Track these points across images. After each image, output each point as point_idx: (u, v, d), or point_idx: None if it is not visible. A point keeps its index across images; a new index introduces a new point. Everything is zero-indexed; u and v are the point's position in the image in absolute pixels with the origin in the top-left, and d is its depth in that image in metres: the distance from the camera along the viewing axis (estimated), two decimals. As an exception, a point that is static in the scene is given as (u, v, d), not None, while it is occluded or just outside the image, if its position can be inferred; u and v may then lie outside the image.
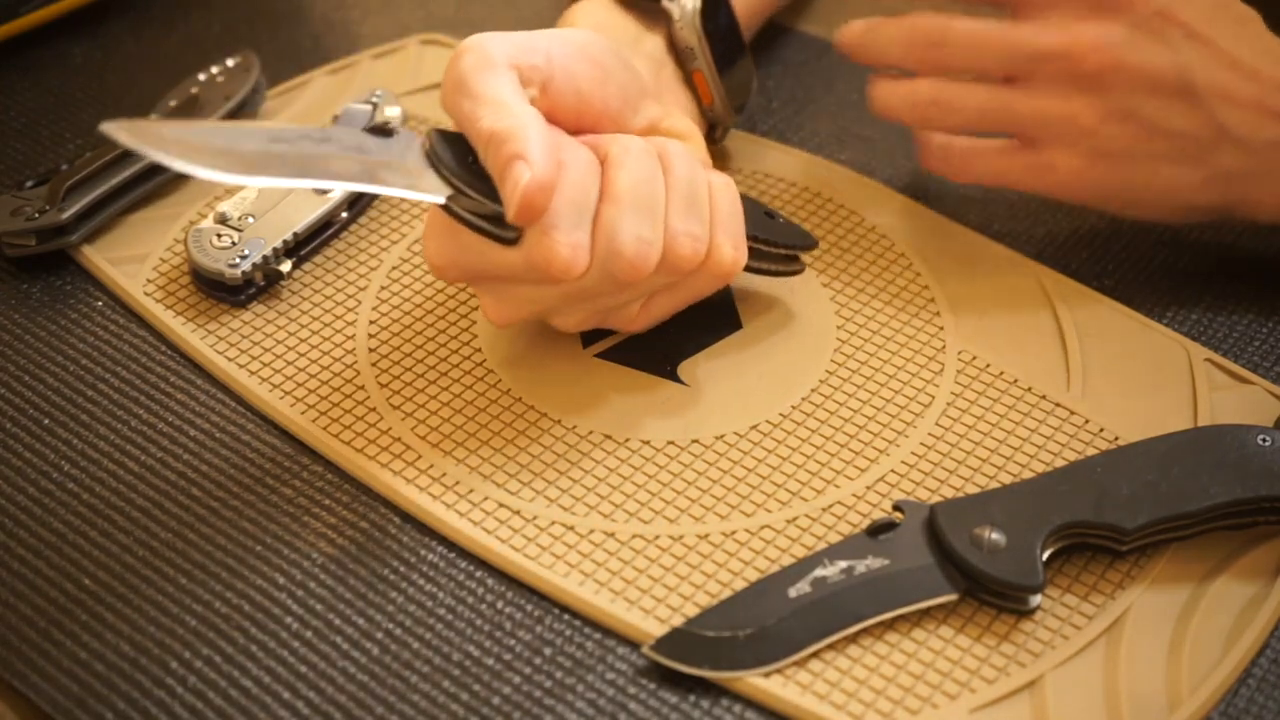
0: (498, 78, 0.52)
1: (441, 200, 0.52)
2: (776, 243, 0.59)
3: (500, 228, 0.52)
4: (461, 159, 0.52)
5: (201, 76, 0.69)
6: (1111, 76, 0.56)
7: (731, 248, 0.55)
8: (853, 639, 0.49)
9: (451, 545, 0.52)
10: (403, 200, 0.66)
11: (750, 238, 0.57)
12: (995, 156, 0.60)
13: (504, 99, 0.52)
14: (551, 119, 0.54)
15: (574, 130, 0.55)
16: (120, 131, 0.46)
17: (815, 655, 0.48)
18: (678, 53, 0.63)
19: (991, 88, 0.58)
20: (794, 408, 0.57)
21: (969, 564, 0.49)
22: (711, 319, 0.60)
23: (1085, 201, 0.60)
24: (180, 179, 0.66)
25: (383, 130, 0.53)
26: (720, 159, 0.69)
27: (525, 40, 0.54)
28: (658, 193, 0.53)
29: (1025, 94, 0.58)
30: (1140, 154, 0.57)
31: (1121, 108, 0.56)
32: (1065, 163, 0.58)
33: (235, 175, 0.47)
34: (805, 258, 0.62)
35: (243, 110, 0.68)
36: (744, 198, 0.58)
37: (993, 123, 0.59)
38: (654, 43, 0.62)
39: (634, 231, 0.52)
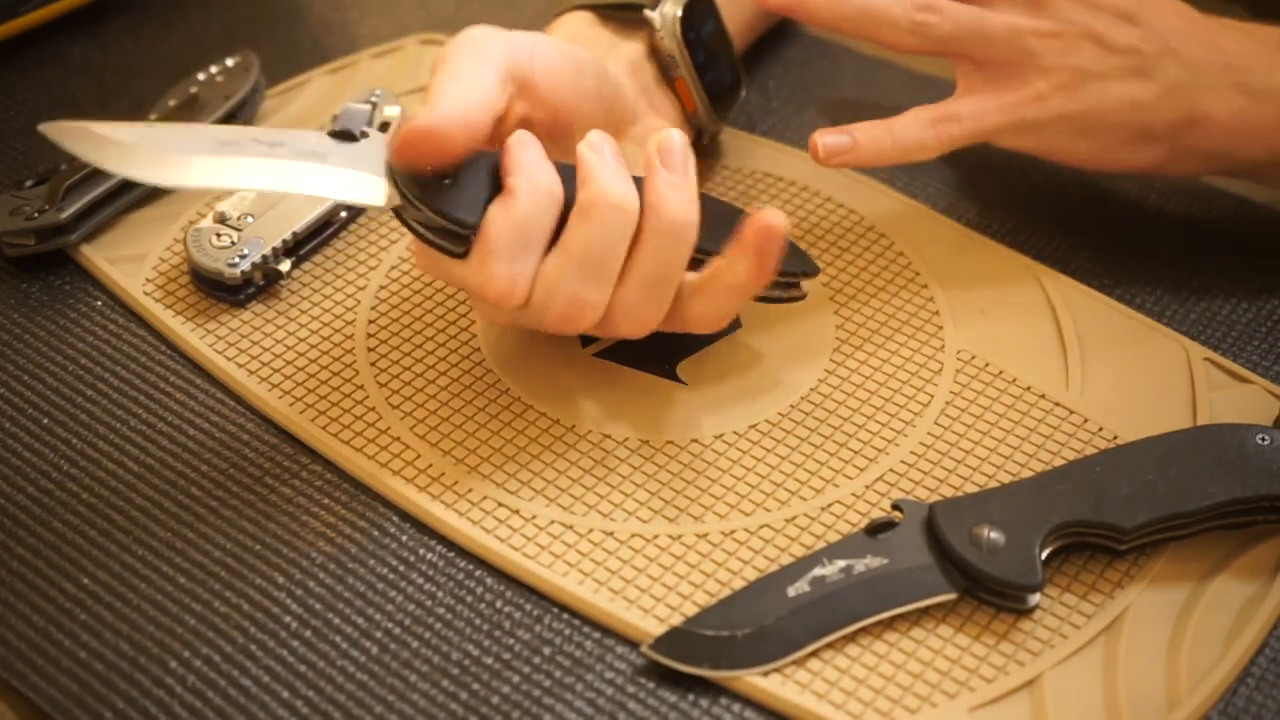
0: (479, 67, 0.52)
1: (380, 204, 0.51)
2: (783, 270, 0.58)
3: (448, 240, 0.51)
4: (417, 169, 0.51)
5: (201, 76, 0.69)
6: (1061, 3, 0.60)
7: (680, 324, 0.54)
8: (851, 638, 0.49)
9: (450, 544, 0.52)
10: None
11: None
12: (977, 102, 0.60)
13: (468, 79, 0.51)
14: (530, 121, 0.54)
15: (552, 134, 0.55)
16: (57, 133, 0.47)
17: (814, 654, 0.48)
18: (660, 60, 0.63)
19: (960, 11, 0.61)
20: (793, 407, 0.57)
21: (968, 563, 0.49)
22: (711, 318, 0.60)
23: (1041, 140, 0.61)
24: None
25: (346, 135, 0.52)
26: (720, 159, 0.69)
27: (512, 37, 0.54)
28: (614, 256, 0.51)
29: (992, 13, 0.60)
30: (1094, 72, 0.59)
31: (1069, 24, 0.59)
32: (1043, 94, 0.59)
33: (174, 179, 0.47)
34: (807, 249, 0.62)
35: (243, 110, 0.68)
36: (734, 209, 0.58)
37: (978, 41, 0.60)
38: (633, 49, 0.62)
39: (573, 289, 0.51)
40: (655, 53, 0.63)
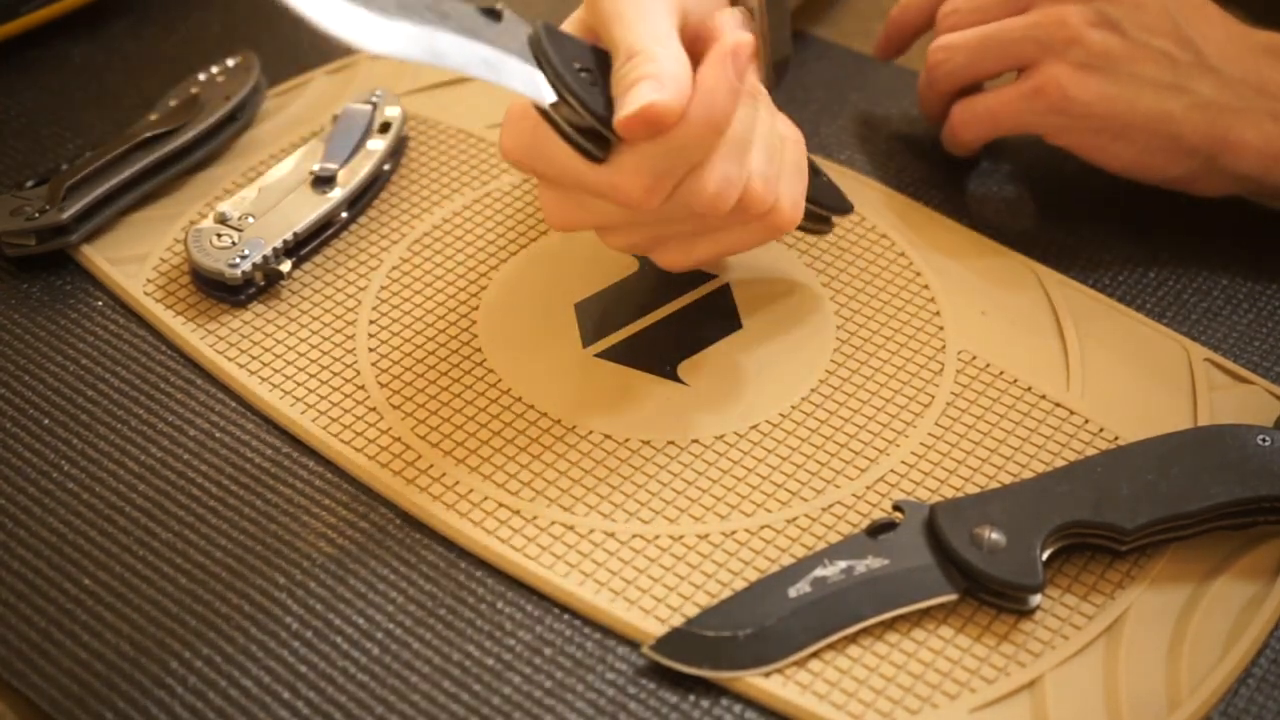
0: (663, 15, 0.52)
1: (546, 103, 0.50)
2: (816, 201, 0.59)
3: (593, 143, 0.51)
4: (568, 63, 0.51)
5: (201, 76, 0.69)
6: None
7: (790, 204, 0.55)
8: (852, 639, 0.49)
9: (451, 545, 0.52)
10: (403, 200, 0.66)
11: None
12: (1004, 94, 0.62)
13: (654, 19, 0.51)
14: None
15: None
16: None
17: (815, 655, 0.48)
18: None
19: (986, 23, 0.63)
20: (794, 408, 0.57)
21: (969, 564, 0.49)
22: (711, 319, 0.60)
23: (1081, 140, 0.62)
24: (180, 179, 0.66)
25: (492, 12, 0.51)
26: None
27: None
28: (748, 133, 0.53)
29: (1019, 16, 0.62)
30: (1124, 72, 0.60)
31: (1107, 15, 0.60)
32: (1057, 73, 0.60)
33: (362, 34, 0.46)
34: (808, 249, 0.62)
35: (243, 110, 0.68)
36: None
37: (994, 52, 0.62)
38: None
39: (722, 170, 0.52)
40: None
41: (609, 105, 0.51)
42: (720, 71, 0.50)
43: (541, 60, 0.50)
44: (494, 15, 0.51)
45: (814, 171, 0.60)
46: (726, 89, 0.50)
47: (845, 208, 0.62)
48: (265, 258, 0.61)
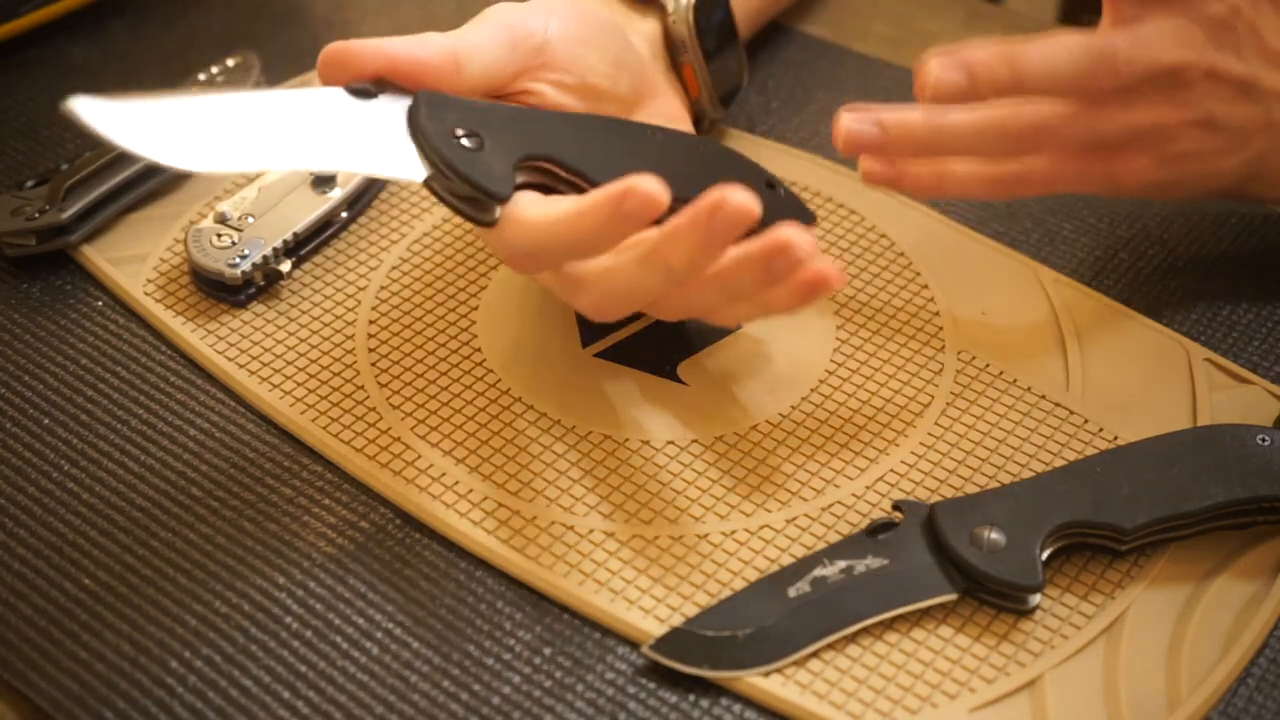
0: (478, 22, 0.54)
1: (418, 180, 0.50)
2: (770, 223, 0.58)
3: (476, 210, 0.50)
4: (444, 133, 0.50)
5: (201, 76, 0.69)
6: (1202, 85, 0.55)
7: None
8: (852, 638, 0.49)
9: (451, 545, 0.52)
10: (403, 200, 0.66)
11: None
12: (1072, 165, 0.57)
13: (454, 32, 0.53)
14: (562, 88, 0.55)
15: (584, 100, 0.56)
16: (80, 109, 0.47)
17: (815, 655, 0.48)
18: (670, 44, 0.63)
19: (1063, 107, 0.55)
20: (794, 408, 0.57)
21: (968, 564, 0.49)
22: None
23: (1132, 195, 0.59)
24: (180, 179, 0.66)
25: (363, 92, 0.50)
26: (720, 159, 0.69)
27: (530, 5, 0.55)
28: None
29: (1121, 108, 0.55)
30: (1205, 152, 0.57)
31: (1203, 114, 0.55)
32: (1136, 167, 0.56)
33: (195, 164, 0.46)
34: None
35: (242, 110, 0.68)
36: (747, 162, 0.58)
37: (1079, 143, 0.56)
38: (650, 27, 0.63)
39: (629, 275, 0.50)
40: (666, 36, 0.63)
41: (497, 166, 0.50)
42: (602, 209, 0.48)
43: (415, 134, 0.50)
44: (364, 94, 0.50)
45: (771, 185, 0.59)
46: (597, 226, 0.48)
47: (807, 219, 0.59)
48: (265, 258, 0.61)
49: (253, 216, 0.62)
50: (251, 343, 0.59)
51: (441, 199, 0.51)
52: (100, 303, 0.62)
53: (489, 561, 0.52)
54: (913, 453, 0.55)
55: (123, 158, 0.64)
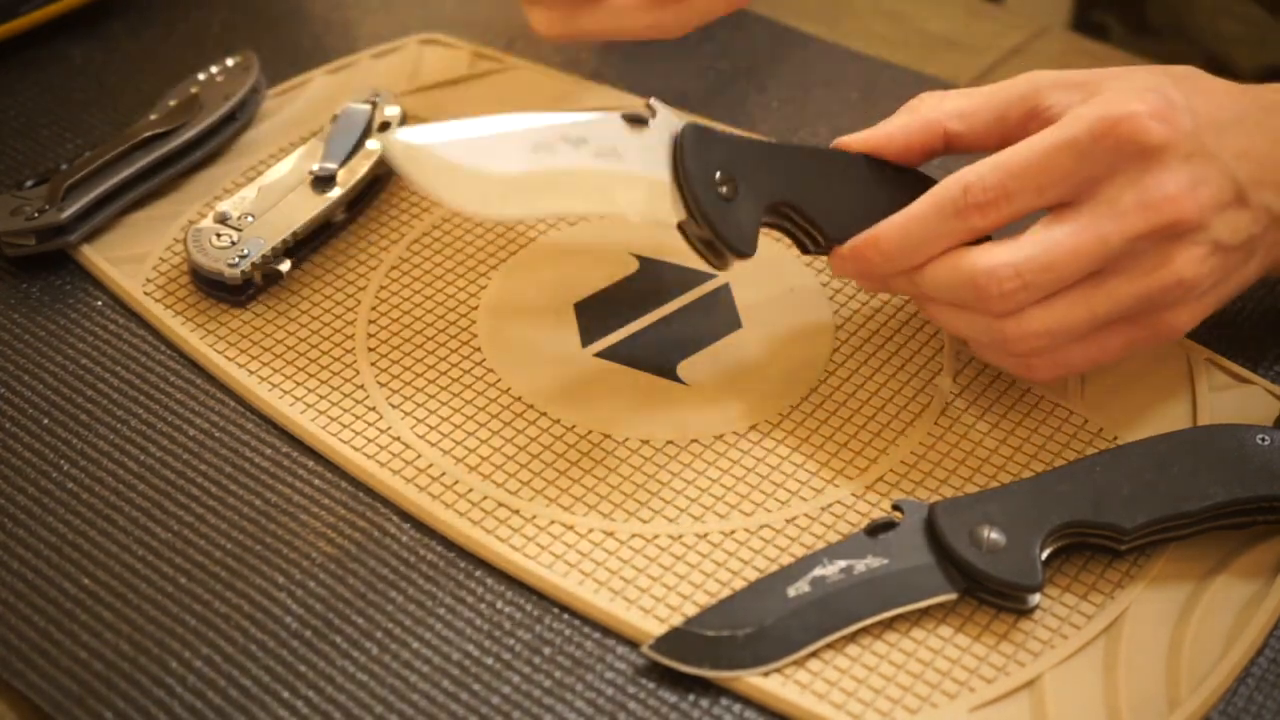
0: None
1: (674, 222, 0.52)
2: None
3: (715, 256, 0.53)
4: (707, 178, 0.52)
5: (201, 76, 0.69)
6: (1197, 220, 0.51)
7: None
8: (852, 638, 0.49)
9: (450, 545, 0.52)
10: (402, 200, 0.66)
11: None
12: (1116, 342, 0.53)
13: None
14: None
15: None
16: (396, 155, 0.48)
17: (814, 655, 0.48)
18: None
19: (1085, 289, 0.52)
20: (793, 407, 0.57)
21: (968, 563, 0.49)
22: (711, 319, 0.60)
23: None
24: (180, 179, 0.66)
25: (637, 118, 0.52)
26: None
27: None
28: None
29: (1123, 279, 0.52)
30: (1230, 274, 0.54)
31: (1210, 242, 0.52)
32: (1183, 319, 0.53)
33: (495, 211, 0.49)
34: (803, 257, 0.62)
35: (243, 110, 0.68)
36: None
37: (1103, 322, 0.53)
38: None
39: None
40: None
41: (746, 222, 0.52)
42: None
43: (678, 174, 0.51)
44: (639, 121, 0.52)
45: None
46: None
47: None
48: (265, 257, 0.61)
49: (252, 216, 0.62)
50: (251, 342, 0.59)
51: (686, 239, 0.53)
52: (100, 302, 0.62)
53: (488, 561, 0.52)
54: (912, 452, 0.55)
55: (122, 157, 0.64)
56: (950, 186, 0.52)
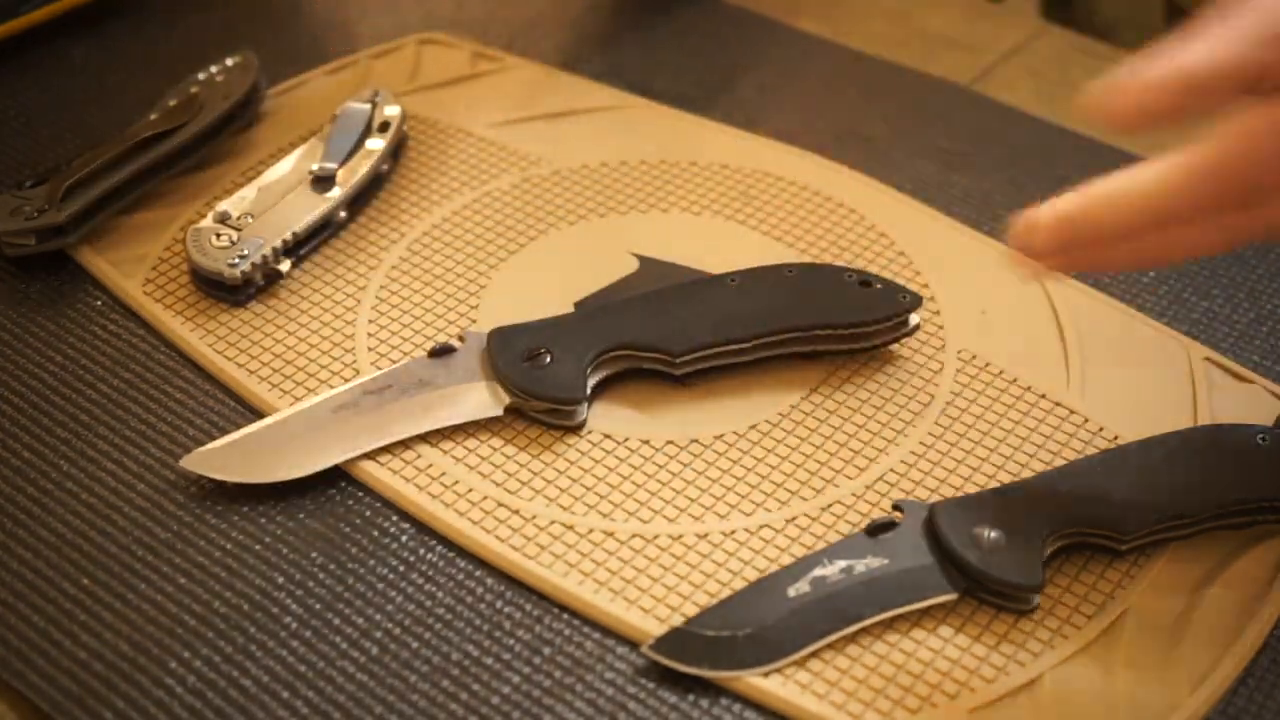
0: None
1: (499, 413, 0.55)
2: (875, 319, 0.57)
3: (562, 419, 0.55)
4: (514, 362, 0.55)
5: (201, 76, 0.69)
6: None
7: None
8: (852, 638, 0.49)
9: (450, 544, 0.52)
10: (402, 200, 0.66)
11: (843, 325, 0.57)
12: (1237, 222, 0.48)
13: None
14: None
15: None
16: (194, 465, 0.53)
17: (814, 655, 0.48)
18: None
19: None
20: (793, 407, 0.57)
21: (968, 563, 0.49)
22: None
23: None
24: (180, 179, 0.66)
25: (444, 349, 0.56)
26: (717, 158, 0.69)
27: None
28: None
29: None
30: None
31: None
32: None
33: (302, 472, 0.53)
34: (807, 248, 0.62)
35: (243, 110, 0.68)
36: (832, 267, 0.59)
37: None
38: None
39: None
40: None
41: (572, 385, 0.55)
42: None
43: (493, 365, 0.56)
44: (446, 351, 0.56)
45: (864, 283, 0.58)
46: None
47: (914, 303, 0.57)
48: (264, 257, 0.60)
49: (252, 216, 0.62)
50: (251, 342, 0.59)
51: (531, 418, 0.56)
52: (99, 302, 0.62)
53: (488, 561, 0.52)
54: (913, 453, 0.55)
55: (122, 157, 0.64)
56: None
